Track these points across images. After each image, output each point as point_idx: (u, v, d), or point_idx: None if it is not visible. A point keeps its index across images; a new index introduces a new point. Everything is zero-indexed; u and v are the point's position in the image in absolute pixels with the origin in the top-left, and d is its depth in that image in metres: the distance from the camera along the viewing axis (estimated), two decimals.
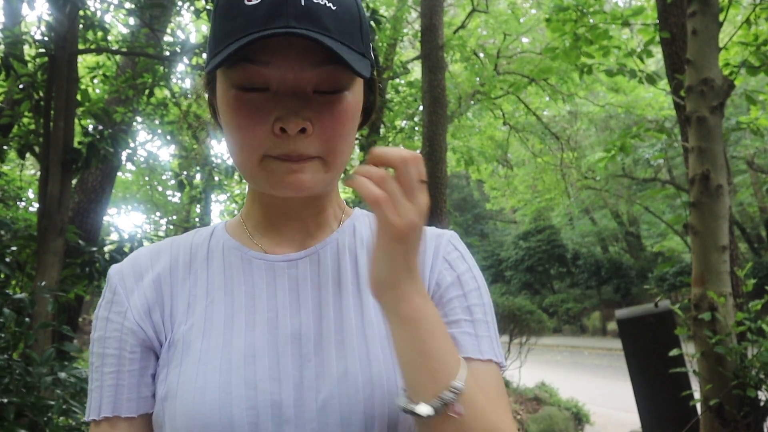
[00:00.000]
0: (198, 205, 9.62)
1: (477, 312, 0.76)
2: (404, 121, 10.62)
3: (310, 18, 0.62)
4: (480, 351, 0.72)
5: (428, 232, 0.82)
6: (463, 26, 11.03)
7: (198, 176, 6.05)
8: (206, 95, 0.77)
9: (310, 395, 0.67)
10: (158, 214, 12.40)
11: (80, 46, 3.84)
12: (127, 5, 4.05)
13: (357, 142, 8.05)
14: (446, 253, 0.79)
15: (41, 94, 3.47)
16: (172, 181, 10.71)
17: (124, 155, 3.81)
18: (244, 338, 0.69)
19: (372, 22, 3.89)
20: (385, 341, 0.70)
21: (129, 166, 3.83)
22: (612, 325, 17.44)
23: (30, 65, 3.54)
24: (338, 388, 0.67)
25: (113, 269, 0.76)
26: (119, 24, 5.92)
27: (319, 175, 0.68)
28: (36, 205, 6.04)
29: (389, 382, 0.67)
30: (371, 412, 0.66)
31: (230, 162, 5.25)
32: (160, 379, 0.70)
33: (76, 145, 3.44)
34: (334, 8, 0.64)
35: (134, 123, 5.18)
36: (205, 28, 9.92)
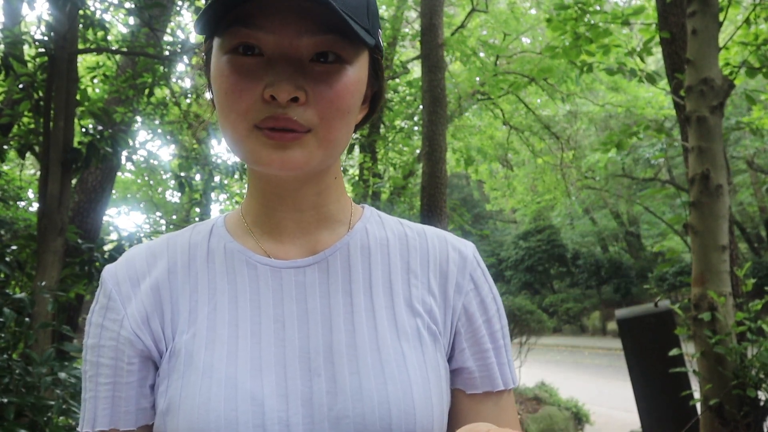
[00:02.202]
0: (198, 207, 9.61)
1: (499, 338, 0.75)
2: (404, 121, 10.61)
3: None
4: (505, 381, 0.73)
5: (449, 241, 0.77)
6: (462, 26, 11.03)
7: (198, 176, 6.05)
8: (203, 71, 0.72)
9: (320, 412, 0.63)
10: (158, 214, 12.39)
11: (80, 46, 3.84)
12: (127, 5, 4.05)
13: (357, 141, 8.04)
14: (472, 269, 0.76)
15: (41, 93, 3.46)
16: (173, 182, 10.71)
17: (124, 155, 3.81)
18: (250, 350, 0.65)
19: None
20: (400, 357, 0.67)
21: (129, 166, 3.83)
22: (612, 325, 17.43)
23: (30, 65, 3.54)
24: (352, 406, 0.63)
25: (107, 271, 0.72)
26: (119, 24, 5.92)
27: (309, 150, 0.63)
28: (36, 204, 6.04)
29: (405, 401, 0.64)
30: None
31: (230, 162, 5.24)
32: (160, 391, 0.66)
33: (76, 144, 3.44)
34: None
35: (134, 123, 5.18)
36: None
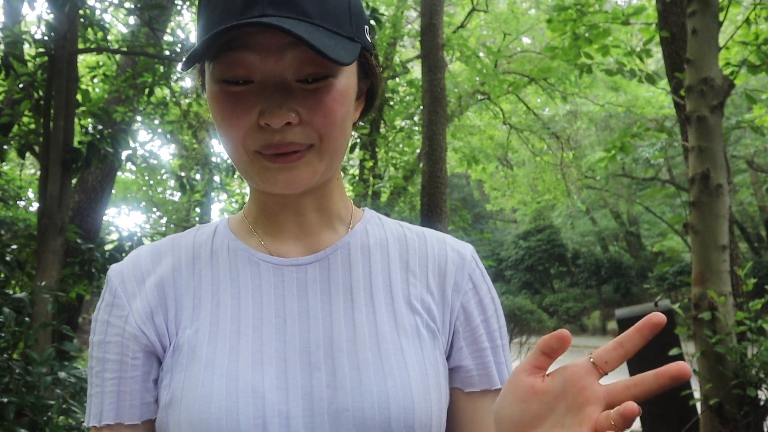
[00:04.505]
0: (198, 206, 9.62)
1: (497, 337, 0.76)
2: (404, 121, 10.61)
3: (288, 3, 0.60)
4: (502, 380, 0.74)
5: (448, 243, 0.79)
6: (462, 26, 11.03)
7: (198, 176, 6.05)
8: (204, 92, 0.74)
9: (320, 405, 0.65)
10: (158, 213, 12.39)
11: (80, 46, 3.85)
12: (127, 5, 4.05)
13: (358, 142, 8.04)
14: (471, 270, 0.77)
15: (41, 93, 3.47)
16: (173, 182, 10.72)
17: (124, 155, 3.81)
18: (251, 345, 0.67)
19: (372, 21, 3.88)
20: (399, 353, 0.68)
21: (129, 166, 3.84)
22: (612, 325, 17.44)
23: (30, 65, 3.54)
24: (352, 400, 0.64)
25: (113, 270, 0.73)
26: (119, 23, 5.93)
27: (313, 166, 0.66)
28: (36, 204, 6.05)
29: (404, 396, 0.65)
30: (387, 428, 0.64)
31: (230, 161, 5.25)
32: (163, 385, 0.68)
33: (76, 144, 3.44)
34: None
35: (134, 123, 5.18)
36: None
